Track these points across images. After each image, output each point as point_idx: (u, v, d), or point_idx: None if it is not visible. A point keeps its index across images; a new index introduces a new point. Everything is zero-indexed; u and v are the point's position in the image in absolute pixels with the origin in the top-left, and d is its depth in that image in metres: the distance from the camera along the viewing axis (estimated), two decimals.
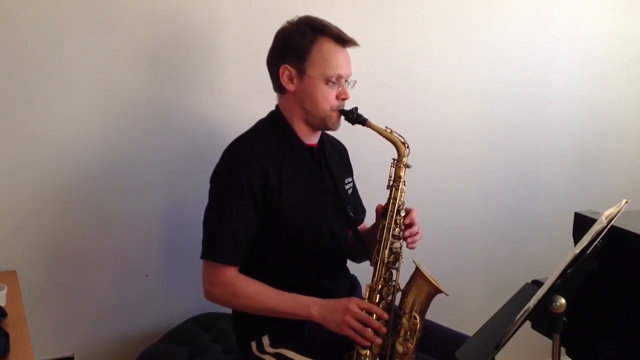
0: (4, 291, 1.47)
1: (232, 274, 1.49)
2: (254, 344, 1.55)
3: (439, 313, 1.64)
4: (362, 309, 1.42)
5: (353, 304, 1.42)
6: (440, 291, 1.44)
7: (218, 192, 1.51)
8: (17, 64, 1.66)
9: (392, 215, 1.50)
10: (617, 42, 2.54)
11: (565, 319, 1.21)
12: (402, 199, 1.51)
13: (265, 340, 1.53)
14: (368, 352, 1.44)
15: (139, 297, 1.90)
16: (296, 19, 1.54)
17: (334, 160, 1.66)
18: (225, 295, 1.51)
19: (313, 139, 1.60)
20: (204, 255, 1.50)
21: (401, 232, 1.50)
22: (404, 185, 1.52)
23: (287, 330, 1.51)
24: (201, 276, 1.52)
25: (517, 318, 1.19)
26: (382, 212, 1.52)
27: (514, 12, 2.33)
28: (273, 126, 1.58)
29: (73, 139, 1.74)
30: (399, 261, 1.50)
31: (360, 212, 1.78)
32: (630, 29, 2.56)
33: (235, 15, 1.88)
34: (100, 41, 1.73)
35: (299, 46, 1.50)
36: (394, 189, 1.51)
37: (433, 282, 1.43)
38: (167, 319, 1.91)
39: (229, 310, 1.66)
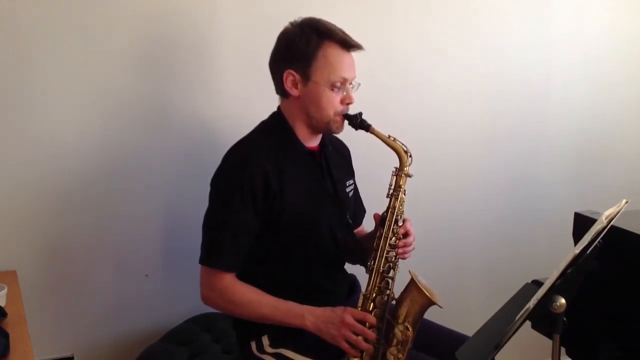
0: (4, 291, 1.47)
1: (229, 280, 1.48)
2: (253, 344, 1.55)
3: (439, 313, 1.63)
4: (357, 320, 1.41)
5: (349, 315, 1.40)
6: (434, 303, 1.43)
7: (219, 196, 1.50)
8: (17, 64, 1.66)
9: (390, 225, 1.48)
10: (617, 42, 2.54)
11: (565, 319, 1.21)
12: (401, 208, 1.50)
13: (265, 340, 1.53)
14: None
15: (139, 297, 1.90)
16: (300, 20, 1.50)
17: (335, 162, 1.64)
18: (221, 301, 1.50)
19: (314, 142, 1.59)
20: (203, 260, 1.49)
21: (397, 242, 1.49)
22: (404, 194, 1.50)
23: (287, 330, 1.50)
24: None
25: (517, 318, 1.19)
26: (380, 220, 1.51)
27: (514, 12, 2.33)
28: (274, 129, 1.56)
29: (73, 139, 1.74)
30: (394, 270, 1.49)
31: (360, 213, 1.77)
32: (631, 29, 2.56)
33: (235, 15, 1.88)
34: (100, 42, 1.73)
35: (303, 51, 1.46)
36: (393, 198, 1.50)
37: (427, 294, 1.41)
38: (167, 319, 1.91)
39: None
